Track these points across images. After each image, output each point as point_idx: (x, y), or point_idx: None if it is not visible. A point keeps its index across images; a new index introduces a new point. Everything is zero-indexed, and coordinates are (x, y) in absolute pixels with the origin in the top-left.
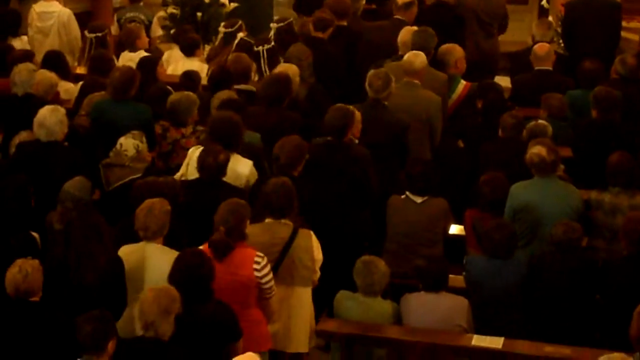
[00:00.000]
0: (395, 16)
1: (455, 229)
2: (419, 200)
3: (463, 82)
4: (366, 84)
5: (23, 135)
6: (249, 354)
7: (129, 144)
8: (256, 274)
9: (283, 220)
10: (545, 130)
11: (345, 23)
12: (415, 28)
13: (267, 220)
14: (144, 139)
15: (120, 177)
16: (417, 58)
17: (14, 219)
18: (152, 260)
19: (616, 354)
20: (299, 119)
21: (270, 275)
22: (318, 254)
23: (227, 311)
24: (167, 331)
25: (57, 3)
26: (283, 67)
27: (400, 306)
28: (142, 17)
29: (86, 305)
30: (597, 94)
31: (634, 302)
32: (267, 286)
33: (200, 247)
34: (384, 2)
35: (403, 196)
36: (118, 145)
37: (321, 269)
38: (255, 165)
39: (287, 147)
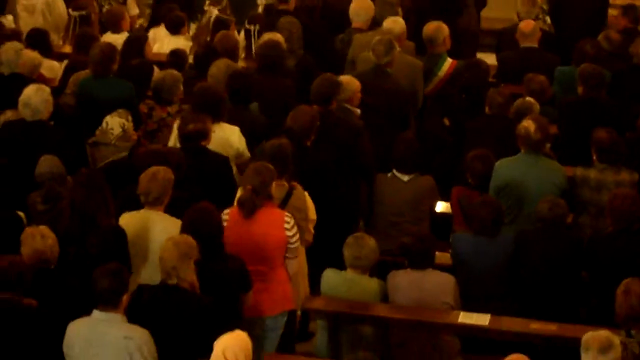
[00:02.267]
0: None
1: (441, 207)
2: (405, 178)
3: (449, 60)
4: (370, 50)
5: (8, 115)
6: (238, 332)
7: (115, 122)
8: (287, 233)
9: (279, 181)
10: (532, 107)
11: None
12: None
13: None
14: (130, 118)
15: (106, 156)
16: (396, 24)
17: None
18: (157, 227)
19: (602, 331)
20: (292, 86)
21: (298, 236)
22: (312, 215)
23: (238, 263)
24: (188, 276)
25: None
26: (268, 36)
27: (387, 283)
28: None
29: (88, 275)
30: (583, 71)
31: (619, 278)
32: (294, 246)
33: (228, 208)
34: None
35: (389, 174)
36: (104, 124)
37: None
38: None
39: (300, 117)
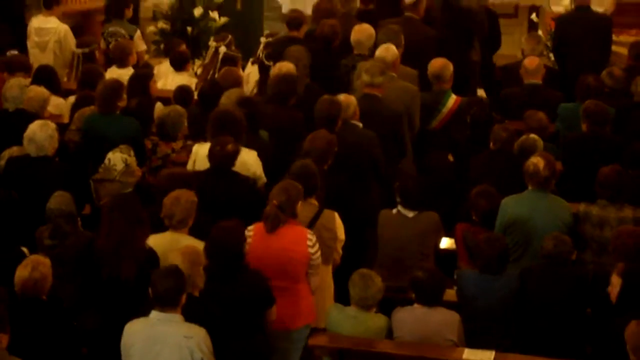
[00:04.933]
0: (406, 14)
1: (446, 243)
2: (410, 214)
3: (454, 97)
4: (362, 73)
5: (14, 150)
6: None
7: (117, 158)
8: (310, 250)
9: (309, 200)
10: (536, 144)
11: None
12: (364, 26)
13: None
14: (132, 153)
15: (111, 192)
16: (388, 52)
17: (2, 234)
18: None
19: None
20: (302, 118)
21: (319, 253)
22: (341, 234)
23: (261, 280)
24: (201, 282)
25: (54, 19)
26: (280, 66)
27: (392, 319)
28: (123, 32)
29: (121, 298)
30: (587, 107)
31: (624, 315)
32: (316, 263)
33: (253, 224)
34: (383, 3)
35: (394, 210)
36: (107, 161)
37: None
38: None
39: (318, 141)
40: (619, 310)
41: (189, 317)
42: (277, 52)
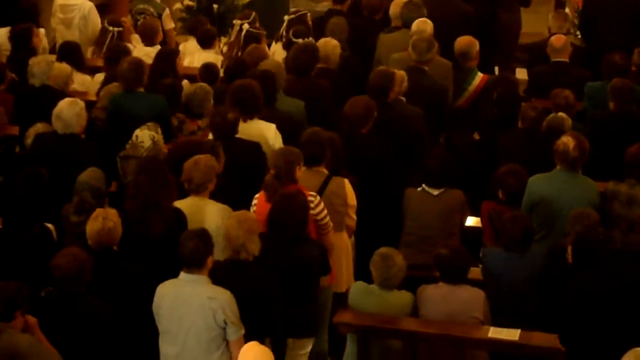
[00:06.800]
0: None
1: (471, 221)
2: (435, 192)
3: (480, 75)
4: (409, 48)
5: (38, 127)
6: (264, 347)
7: (145, 135)
8: (310, 212)
9: (316, 168)
10: (564, 123)
11: None
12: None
13: (302, 169)
14: (159, 130)
15: None
16: (426, 24)
17: (30, 210)
18: (208, 213)
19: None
20: (329, 87)
21: (325, 212)
22: (352, 200)
23: (321, 249)
24: (255, 250)
25: None
26: (324, 41)
27: (417, 297)
28: (152, 9)
29: (151, 256)
30: (614, 85)
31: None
32: (323, 222)
33: (259, 193)
34: None
35: (419, 188)
36: (134, 137)
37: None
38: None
39: (355, 105)
40: (573, 273)
41: (243, 282)
42: (318, 26)
